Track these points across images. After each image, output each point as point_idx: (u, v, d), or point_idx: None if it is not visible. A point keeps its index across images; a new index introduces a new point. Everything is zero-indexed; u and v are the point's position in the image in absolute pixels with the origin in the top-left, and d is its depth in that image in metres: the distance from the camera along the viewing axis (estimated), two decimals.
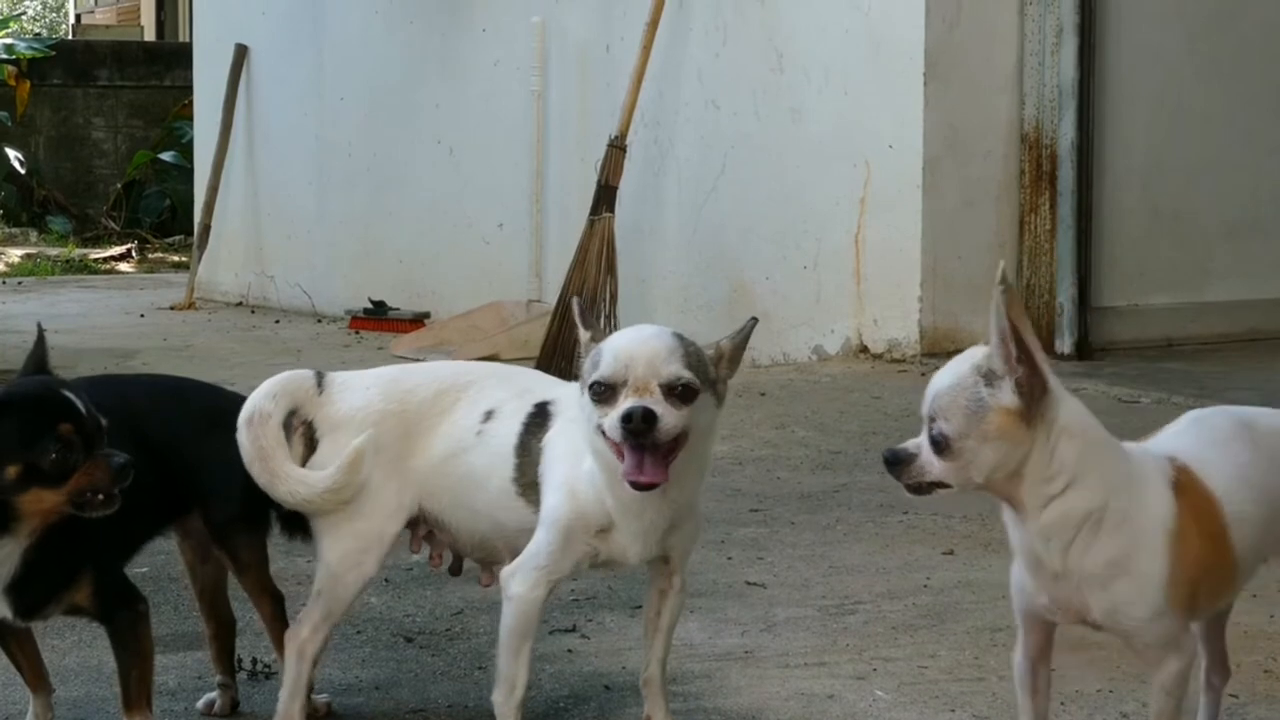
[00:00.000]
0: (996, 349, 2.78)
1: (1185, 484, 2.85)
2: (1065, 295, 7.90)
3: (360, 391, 3.40)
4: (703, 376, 3.11)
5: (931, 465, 2.81)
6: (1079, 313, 7.91)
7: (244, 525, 3.44)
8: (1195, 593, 2.83)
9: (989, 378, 2.78)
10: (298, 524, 3.46)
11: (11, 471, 2.99)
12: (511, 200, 9.89)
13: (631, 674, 3.67)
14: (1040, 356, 2.80)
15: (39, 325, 3.34)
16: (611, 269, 8.46)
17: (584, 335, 3.23)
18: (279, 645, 3.43)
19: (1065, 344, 7.89)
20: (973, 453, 2.78)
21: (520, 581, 3.22)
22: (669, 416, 3.06)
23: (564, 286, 8.53)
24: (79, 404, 3.04)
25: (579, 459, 3.19)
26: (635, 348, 3.10)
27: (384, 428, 3.36)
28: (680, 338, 3.14)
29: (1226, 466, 2.90)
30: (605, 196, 8.62)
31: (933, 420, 2.81)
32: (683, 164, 8.87)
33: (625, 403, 3.05)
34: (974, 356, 2.82)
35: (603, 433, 3.08)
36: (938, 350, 7.79)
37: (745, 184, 8.56)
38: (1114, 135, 8.21)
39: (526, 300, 9.48)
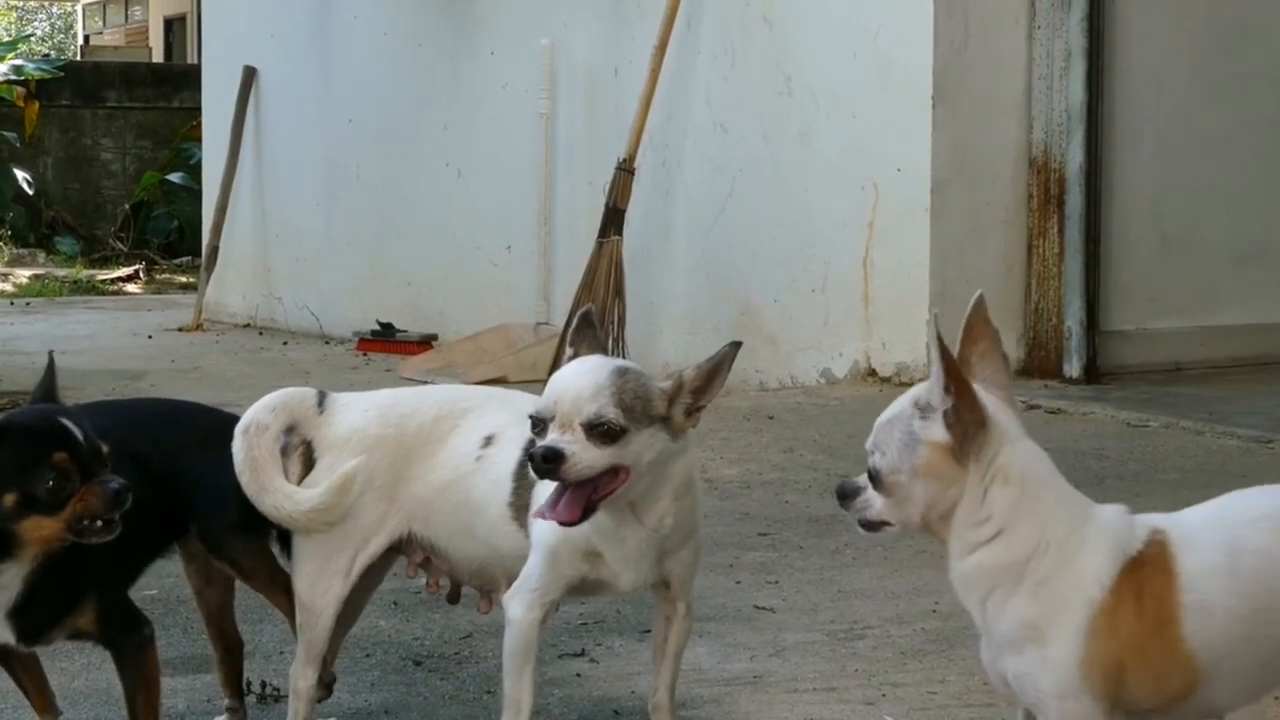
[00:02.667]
0: (932, 380, 2.63)
1: (1147, 559, 2.58)
2: (1073, 319, 7.89)
3: (359, 414, 3.40)
4: (639, 413, 3.07)
5: (874, 501, 2.66)
6: (1087, 336, 7.91)
7: (241, 533, 3.43)
8: (1122, 682, 2.55)
9: (924, 411, 2.62)
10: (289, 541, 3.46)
11: (9, 500, 3.01)
12: (519, 222, 9.89)
13: (640, 698, 3.66)
14: (977, 391, 2.61)
15: (50, 354, 3.37)
16: (619, 291, 8.47)
17: (567, 352, 3.23)
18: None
19: (1073, 368, 7.88)
20: (905, 489, 2.62)
21: (517, 604, 3.22)
22: (584, 455, 3.04)
23: (572, 309, 8.52)
24: (76, 432, 3.06)
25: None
26: (566, 384, 3.10)
27: (379, 452, 3.35)
28: (620, 373, 3.10)
29: (1217, 550, 2.58)
30: (613, 219, 8.62)
31: (871, 453, 2.67)
32: (691, 187, 8.88)
33: (545, 440, 3.06)
34: (917, 389, 2.67)
35: None
36: None
37: (753, 207, 8.57)
38: (1122, 159, 8.21)
39: (534, 323, 9.49)
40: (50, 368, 3.27)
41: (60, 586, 3.12)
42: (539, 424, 3.09)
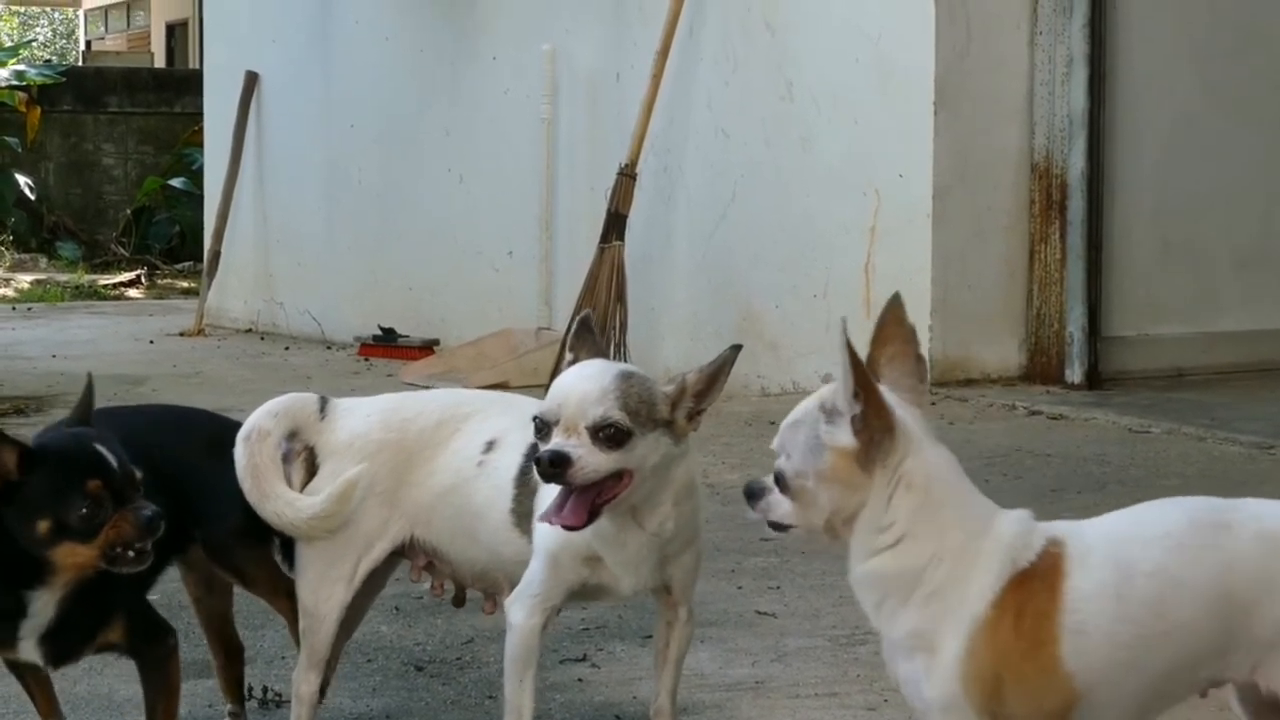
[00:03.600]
0: (840, 384, 2.58)
1: (1037, 573, 2.53)
2: (1075, 325, 7.89)
3: (361, 419, 3.40)
4: (643, 417, 3.08)
5: (779, 503, 2.63)
6: (1089, 342, 7.90)
7: (244, 540, 3.43)
8: (1000, 697, 2.51)
9: (830, 415, 2.58)
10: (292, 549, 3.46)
11: (42, 527, 3.01)
12: (521, 228, 9.89)
13: (642, 703, 3.66)
14: (886, 397, 2.58)
15: (89, 376, 3.34)
16: (621, 297, 8.47)
17: (567, 358, 3.23)
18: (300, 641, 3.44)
19: (1075, 374, 7.88)
20: (810, 494, 2.59)
21: (518, 610, 3.22)
22: (590, 459, 3.04)
23: (573, 314, 8.50)
24: (110, 458, 3.06)
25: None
26: (570, 387, 3.09)
27: (381, 458, 3.35)
28: (624, 377, 3.11)
29: (1108, 569, 2.52)
30: (615, 224, 8.62)
31: (777, 455, 2.65)
32: (692, 192, 8.88)
33: (550, 443, 3.05)
34: (823, 391, 2.63)
35: None
36: (948, 379, 7.78)
37: (755, 212, 8.57)
38: (1124, 165, 8.21)
39: (536, 328, 9.48)
40: (88, 390, 3.27)
41: (91, 608, 3.13)
42: (543, 427, 3.08)
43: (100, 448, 3.07)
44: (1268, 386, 8.03)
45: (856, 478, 2.56)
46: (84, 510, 3.01)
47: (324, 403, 3.44)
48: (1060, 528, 2.59)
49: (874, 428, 2.56)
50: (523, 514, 3.27)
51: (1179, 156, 8.42)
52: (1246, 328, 8.54)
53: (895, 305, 2.75)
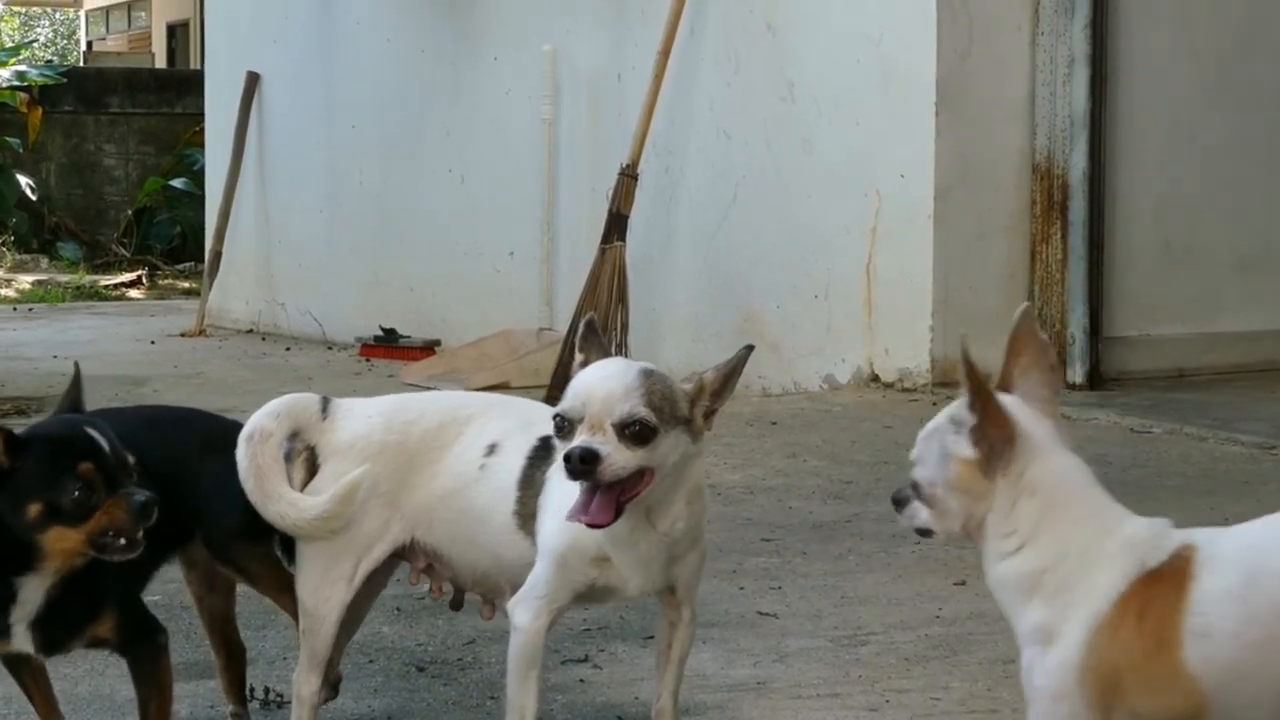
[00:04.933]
0: (965, 395, 2.67)
1: (1165, 575, 2.56)
2: (1077, 325, 7.89)
3: (363, 420, 3.39)
4: (667, 414, 3.08)
5: (919, 511, 2.72)
6: (1090, 343, 7.91)
7: (245, 538, 3.43)
8: (1120, 695, 2.54)
9: (958, 426, 2.66)
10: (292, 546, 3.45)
11: (33, 510, 2.99)
12: (522, 228, 9.89)
13: (644, 704, 3.66)
14: (1008, 407, 2.65)
15: (76, 364, 3.34)
16: (623, 297, 8.47)
17: (577, 359, 3.23)
18: None
19: (1077, 374, 7.88)
20: (943, 501, 2.68)
21: (523, 611, 3.21)
22: (617, 456, 3.04)
23: (575, 315, 8.53)
24: (103, 442, 3.05)
25: (575, 488, 3.16)
26: (595, 385, 3.09)
27: (383, 459, 3.34)
28: (647, 375, 3.11)
29: (1235, 572, 2.53)
30: (616, 225, 8.62)
31: (914, 464, 2.74)
32: (694, 193, 8.88)
33: (576, 441, 3.05)
34: (956, 404, 2.71)
35: None
36: (949, 380, 7.78)
37: (756, 213, 8.57)
38: (1126, 165, 8.21)
39: (537, 328, 9.48)
40: (76, 378, 3.27)
41: (80, 597, 3.12)
42: (566, 426, 3.08)
43: (92, 431, 3.07)
44: (1269, 387, 8.03)
45: (980, 486, 2.64)
46: (76, 493, 3.00)
47: (326, 403, 3.43)
48: (1198, 533, 2.62)
49: (992, 438, 2.63)
50: (526, 516, 3.26)
51: (1180, 157, 8.42)
52: (1248, 328, 8.54)
53: (1026, 318, 2.83)
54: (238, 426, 3.41)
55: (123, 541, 3.02)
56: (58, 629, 3.12)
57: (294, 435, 3.37)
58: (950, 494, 2.67)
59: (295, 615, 3.44)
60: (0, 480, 3.00)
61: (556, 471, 3.19)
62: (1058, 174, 7.99)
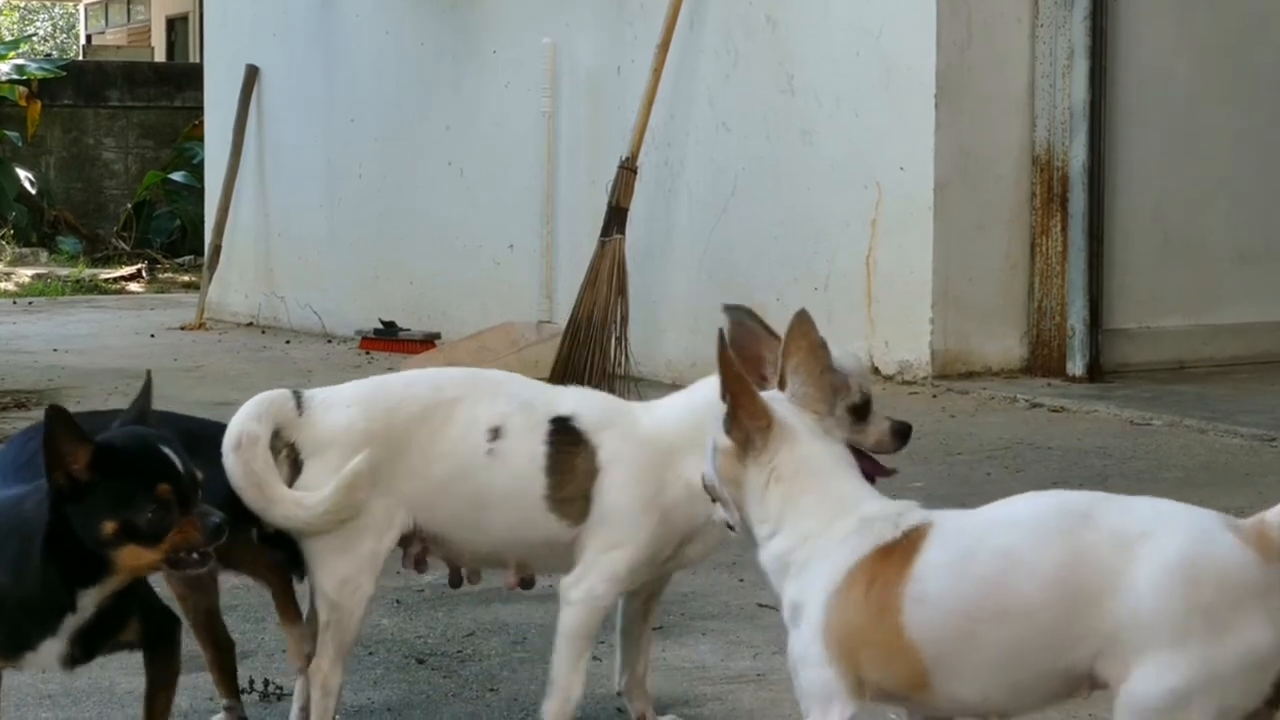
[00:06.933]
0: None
1: (897, 549, 2.63)
2: (1077, 317, 7.89)
3: (341, 410, 3.37)
4: None
5: (718, 506, 2.82)
6: (1090, 335, 7.90)
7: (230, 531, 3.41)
8: (854, 661, 2.61)
9: (719, 418, 2.76)
10: (281, 539, 3.43)
11: (108, 528, 2.97)
12: (522, 221, 9.89)
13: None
14: (762, 397, 2.74)
15: (148, 374, 3.28)
16: (622, 290, 8.46)
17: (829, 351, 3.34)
18: (290, 617, 3.42)
19: (1077, 366, 7.87)
20: (720, 493, 2.78)
21: (588, 590, 3.28)
22: None
23: (575, 307, 8.53)
24: (177, 462, 3.02)
25: (664, 479, 3.27)
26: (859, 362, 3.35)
27: (372, 449, 3.33)
28: None
29: (958, 545, 2.60)
30: (616, 218, 8.61)
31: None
32: (693, 186, 8.88)
33: (883, 419, 3.24)
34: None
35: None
36: (949, 372, 7.78)
37: (756, 206, 8.56)
38: (1125, 157, 8.21)
39: (537, 321, 9.48)
40: (147, 388, 3.22)
41: (117, 605, 3.09)
42: (868, 404, 3.23)
43: (167, 450, 3.04)
44: (1269, 379, 8.03)
45: (738, 473, 2.74)
46: (151, 514, 2.97)
47: (299, 397, 3.40)
48: (940, 513, 2.70)
49: (746, 427, 2.72)
50: (561, 500, 3.30)
51: (1180, 149, 8.41)
52: (1248, 320, 8.54)
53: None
54: (211, 425, 3.39)
55: (196, 557, 3.01)
56: (93, 639, 3.10)
57: (274, 434, 3.35)
58: (722, 484, 2.76)
59: (279, 589, 3.43)
60: (79, 492, 2.98)
61: (622, 463, 3.29)
62: (1058, 166, 7.99)
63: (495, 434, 3.33)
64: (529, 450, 3.30)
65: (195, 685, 3.85)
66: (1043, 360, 7.98)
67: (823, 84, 8.26)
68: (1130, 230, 8.25)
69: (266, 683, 3.81)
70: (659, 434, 3.35)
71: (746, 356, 3.22)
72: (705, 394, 3.27)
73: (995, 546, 2.57)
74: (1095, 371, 7.91)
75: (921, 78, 7.85)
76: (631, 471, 3.28)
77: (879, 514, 2.68)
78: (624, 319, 8.43)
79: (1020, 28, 8.03)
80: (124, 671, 3.87)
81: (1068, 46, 7.94)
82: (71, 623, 3.05)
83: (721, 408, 2.73)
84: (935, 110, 7.82)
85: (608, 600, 3.30)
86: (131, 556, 2.99)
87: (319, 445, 3.34)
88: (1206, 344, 8.43)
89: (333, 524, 3.31)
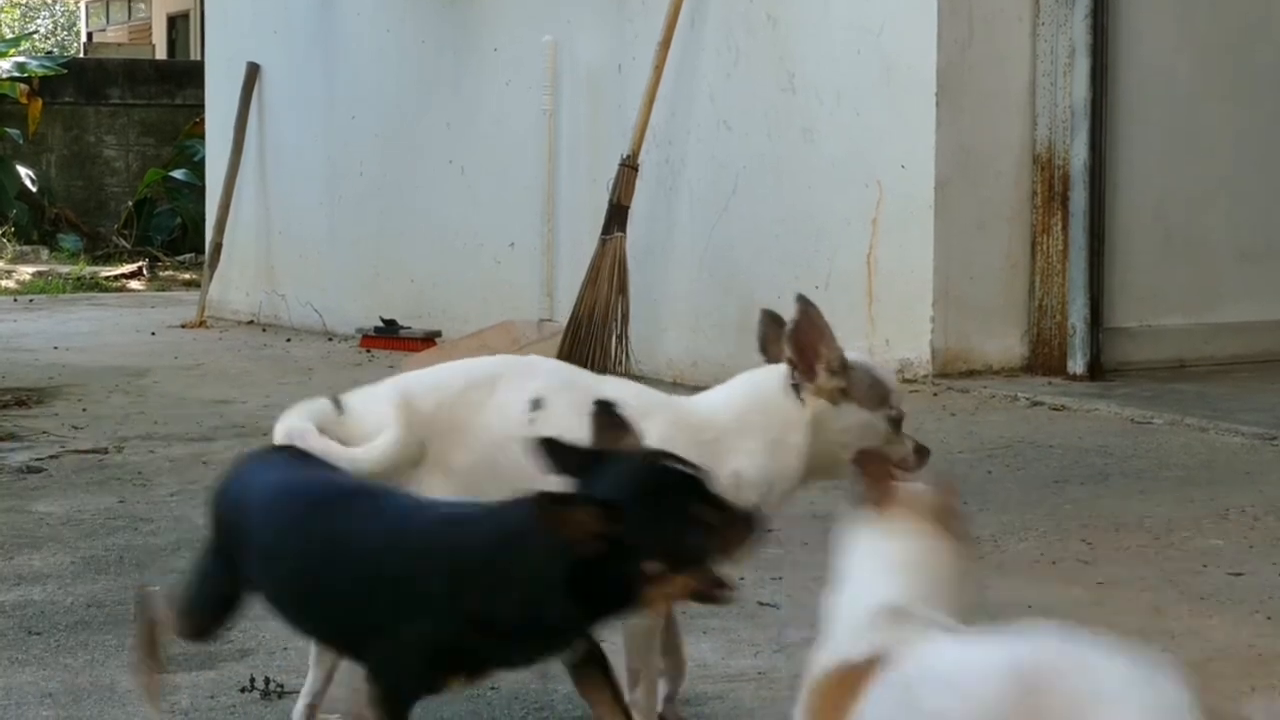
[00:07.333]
0: None
1: (853, 675, 2.45)
2: (1077, 316, 7.89)
3: (383, 401, 3.40)
4: None
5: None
6: (1091, 333, 7.90)
7: None
8: None
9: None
10: None
11: (650, 569, 2.76)
12: (523, 219, 9.89)
13: None
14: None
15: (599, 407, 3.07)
16: (623, 288, 8.46)
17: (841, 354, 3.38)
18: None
19: (1078, 365, 7.87)
20: None
21: None
22: None
23: (575, 306, 8.53)
24: (701, 477, 2.84)
25: (711, 469, 3.21)
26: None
27: (422, 434, 3.34)
28: None
29: (886, 695, 2.38)
30: (617, 216, 8.62)
31: None
32: (694, 184, 8.88)
33: (908, 439, 3.41)
34: None
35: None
36: (949, 371, 7.78)
37: (757, 204, 8.56)
38: (1127, 156, 8.21)
39: (538, 319, 9.48)
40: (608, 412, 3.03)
41: None
42: (900, 421, 3.39)
43: (686, 467, 2.86)
44: (1270, 377, 8.03)
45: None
46: (694, 543, 2.78)
47: (338, 402, 3.44)
48: (908, 639, 2.42)
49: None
50: None
51: (1182, 147, 8.41)
52: (1249, 319, 8.54)
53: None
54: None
55: (725, 592, 2.85)
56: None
57: (320, 433, 3.37)
58: None
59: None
60: (606, 549, 2.74)
61: (677, 448, 3.19)
62: (1058, 165, 7.98)
63: (536, 405, 3.34)
64: (569, 426, 3.24)
65: (195, 685, 3.85)
66: (1043, 359, 7.98)
67: (824, 82, 8.25)
68: (1131, 229, 8.25)
69: (268, 680, 3.81)
70: (708, 423, 3.35)
71: (803, 346, 3.29)
72: (752, 386, 3.33)
73: (930, 711, 2.30)
74: (1096, 370, 7.91)
75: (922, 76, 7.85)
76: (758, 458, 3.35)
77: (870, 619, 2.50)
78: (625, 317, 8.44)
79: (1021, 26, 8.03)
80: (124, 670, 3.88)
81: (1069, 45, 7.94)
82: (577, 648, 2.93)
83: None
84: (936, 108, 7.82)
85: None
86: (662, 593, 2.82)
87: (365, 435, 3.34)
88: (1207, 342, 8.43)
89: (402, 461, 3.30)
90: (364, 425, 3.37)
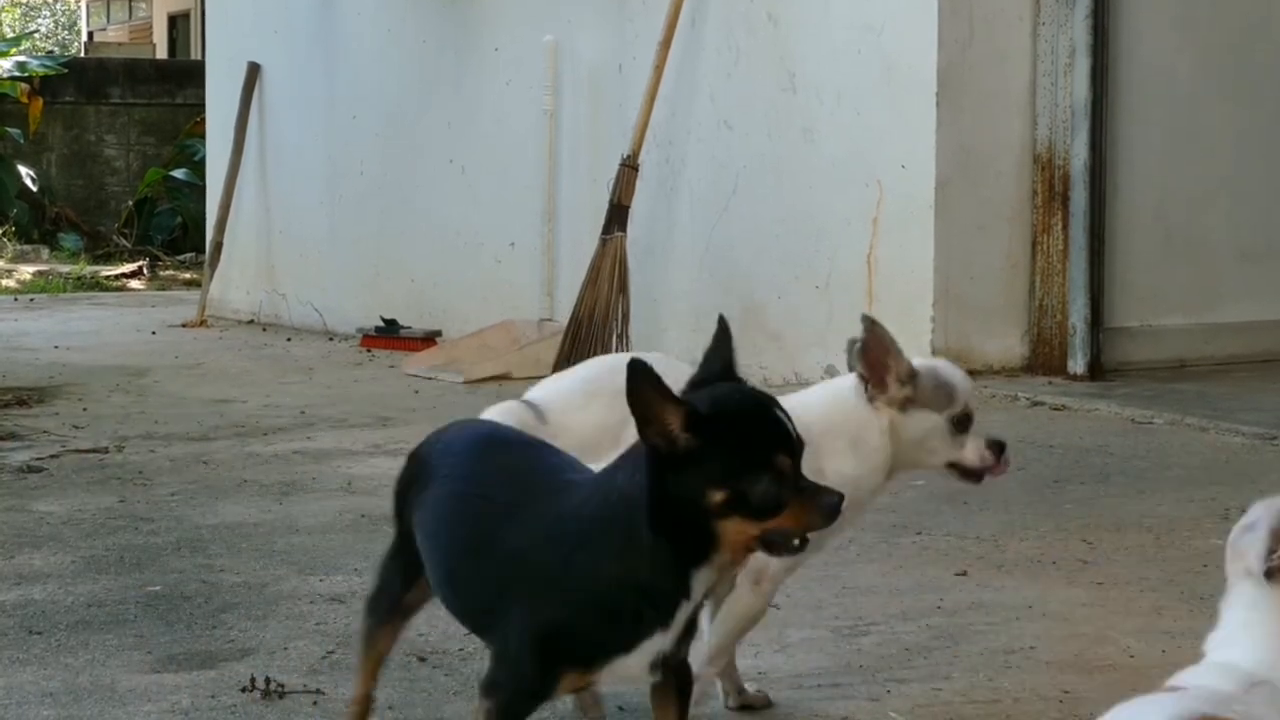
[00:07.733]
0: None
1: None
2: (1078, 316, 7.88)
3: (585, 409, 3.58)
4: None
5: None
6: (1091, 333, 7.90)
7: None
8: None
9: None
10: None
11: (717, 497, 2.63)
12: (523, 219, 9.89)
13: (644, 694, 3.65)
14: None
15: (721, 319, 2.87)
16: (623, 288, 8.47)
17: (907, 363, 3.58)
18: None
19: (1078, 365, 7.87)
20: None
21: (766, 585, 3.54)
22: None
23: (576, 305, 8.54)
24: (792, 430, 2.70)
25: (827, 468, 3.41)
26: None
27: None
28: None
29: None
30: (617, 215, 8.62)
31: None
32: (695, 184, 8.88)
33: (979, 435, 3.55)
34: None
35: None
36: None
37: (757, 204, 8.56)
38: (1127, 156, 8.20)
39: (538, 319, 9.49)
40: (725, 334, 2.82)
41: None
42: (969, 419, 3.52)
43: (782, 415, 2.70)
44: (1270, 377, 8.03)
45: None
46: (766, 488, 2.64)
47: (534, 408, 3.58)
48: None
49: None
50: None
51: (1182, 147, 8.41)
52: (1249, 319, 8.54)
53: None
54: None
55: (796, 542, 2.70)
56: (683, 636, 2.80)
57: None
58: None
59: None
60: (677, 459, 2.64)
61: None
62: (1059, 164, 7.98)
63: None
64: None
65: (196, 684, 3.85)
66: (1044, 359, 7.98)
67: (824, 82, 8.26)
68: (1132, 228, 8.25)
69: (268, 680, 3.81)
70: (803, 427, 3.37)
71: (873, 363, 3.55)
72: (834, 392, 3.61)
73: None
74: (1096, 370, 7.90)
75: (923, 76, 7.85)
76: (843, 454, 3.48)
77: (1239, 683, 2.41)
78: (625, 317, 8.44)
79: (1021, 26, 8.03)
80: (125, 670, 3.88)
81: (1069, 44, 7.94)
82: (686, 610, 2.74)
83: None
84: (936, 108, 7.81)
85: (767, 588, 3.53)
86: (737, 531, 2.65)
87: (585, 444, 3.40)
88: (1208, 342, 8.43)
89: (609, 444, 3.36)
90: (577, 433, 3.51)
